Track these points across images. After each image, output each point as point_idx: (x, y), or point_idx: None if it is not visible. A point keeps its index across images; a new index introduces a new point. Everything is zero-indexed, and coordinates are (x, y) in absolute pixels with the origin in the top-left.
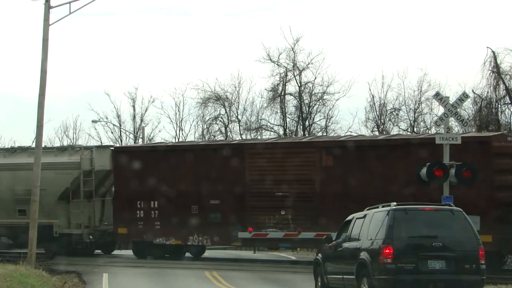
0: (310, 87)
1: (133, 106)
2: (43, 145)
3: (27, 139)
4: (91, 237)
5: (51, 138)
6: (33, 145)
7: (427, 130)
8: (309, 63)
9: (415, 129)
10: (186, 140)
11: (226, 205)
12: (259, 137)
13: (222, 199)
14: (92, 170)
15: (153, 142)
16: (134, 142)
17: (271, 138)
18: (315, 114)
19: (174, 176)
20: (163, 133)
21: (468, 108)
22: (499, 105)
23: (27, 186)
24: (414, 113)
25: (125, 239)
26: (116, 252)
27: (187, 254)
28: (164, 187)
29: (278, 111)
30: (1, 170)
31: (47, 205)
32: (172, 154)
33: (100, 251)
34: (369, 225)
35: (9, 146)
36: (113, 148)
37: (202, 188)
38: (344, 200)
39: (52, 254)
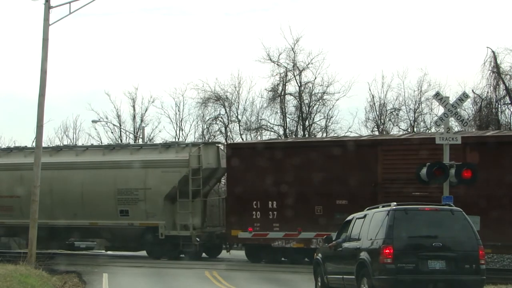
0: (310, 87)
1: (133, 106)
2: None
3: (27, 139)
4: (198, 239)
5: (51, 138)
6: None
7: (427, 130)
8: (309, 63)
9: (415, 129)
10: (309, 137)
11: (354, 205)
12: (258, 137)
13: (350, 199)
14: (199, 168)
15: (270, 139)
16: (134, 142)
17: (405, 133)
18: (315, 114)
19: (296, 174)
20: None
21: (468, 108)
22: (499, 105)
23: (129, 185)
24: (414, 113)
25: (240, 241)
26: (223, 255)
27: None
28: (284, 186)
29: (278, 111)
30: (102, 168)
31: (152, 205)
32: (293, 151)
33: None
34: (369, 225)
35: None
36: (225, 144)
37: (328, 187)
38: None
39: (156, 257)
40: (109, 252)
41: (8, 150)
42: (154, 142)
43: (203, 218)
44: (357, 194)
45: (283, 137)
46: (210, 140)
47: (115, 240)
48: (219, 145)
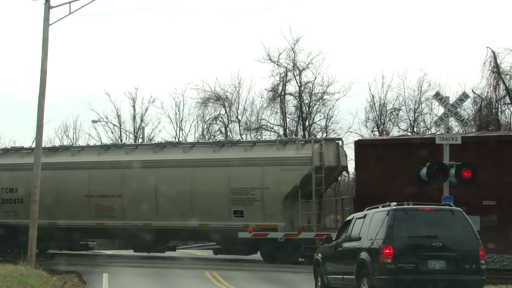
0: (310, 87)
1: (133, 106)
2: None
3: (27, 139)
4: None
5: (51, 138)
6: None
7: (427, 130)
8: (309, 63)
9: (415, 129)
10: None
11: (505, 207)
12: (259, 137)
13: (500, 200)
14: (322, 166)
15: (403, 135)
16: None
17: None
18: (315, 114)
19: None
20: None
21: (468, 108)
22: (499, 105)
23: (244, 184)
24: (414, 113)
25: None
26: None
27: None
28: (420, 185)
29: (278, 111)
30: (214, 166)
31: (270, 205)
32: (433, 147)
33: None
34: (369, 225)
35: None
36: (342, 141)
37: (472, 187)
38: None
39: (272, 261)
40: (109, 252)
41: (106, 147)
42: (268, 139)
43: (320, 219)
44: (509, 194)
45: (283, 137)
46: (328, 137)
47: (226, 242)
48: (339, 141)
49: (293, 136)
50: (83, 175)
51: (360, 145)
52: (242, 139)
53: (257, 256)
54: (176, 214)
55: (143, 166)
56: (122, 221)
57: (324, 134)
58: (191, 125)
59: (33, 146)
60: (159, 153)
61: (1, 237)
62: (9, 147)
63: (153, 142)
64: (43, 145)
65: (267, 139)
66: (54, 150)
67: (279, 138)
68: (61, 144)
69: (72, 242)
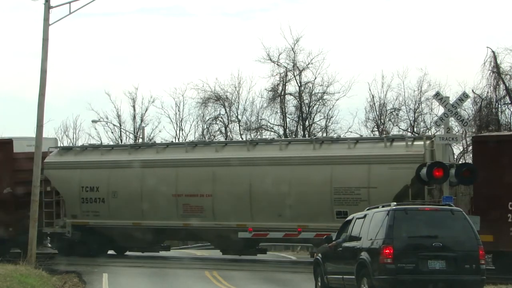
0: (310, 87)
1: (133, 106)
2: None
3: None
4: None
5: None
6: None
7: (427, 130)
8: (309, 63)
9: (415, 129)
10: None
11: None
12: (259, 137)
13: None
14: None
15: None
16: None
17: None
18: (315, 114)
19: None
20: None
21: (468, 108)
22: (499, 105)
23: (348, 184)
24: (414, 113)
25: (491, 247)
26: None
27: None
28: None
29: (278, 111)
30: (314, 164)
31: None
32: None
33: None
34: (369, 225)
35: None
36: (473, 137)
37: None
38: None
39: None
40: (109, 252)
41: (193, 145)
42: (374, 136)
43: None
44: None
45: (283, 137)
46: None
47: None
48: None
49: (402, 133)
50: (171, 173)
51: (480, 142)
52: (242, 138)
53: (257, 256)
54: (272, 215)
55: (236, 164)
56: (213, 222)
57: (324, 134)
58: (191, 125)
59: (111, 143)
60: (253, 151)
61: (80, 238)
62: (86, 144)
63: (244, 139)
64: (123, 142)
65: (373, 136)
66: (136, 147)
67: (385, 134)
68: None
69: (154, 243)
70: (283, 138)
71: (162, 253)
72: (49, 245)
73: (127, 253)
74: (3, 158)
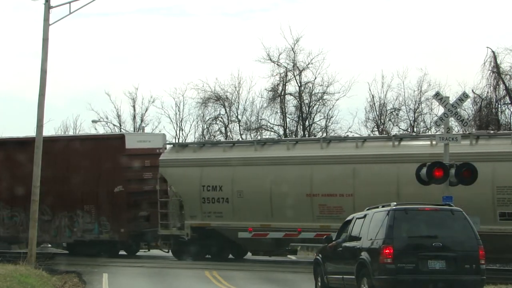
0: (310, 87)
1: (133, 106)
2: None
3: None
4: None
5: None
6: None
7: (427, 130)
8: (309, 63)
9: (415, 129)
10: None
11: None
12: (259, 137)
13: None
14: None
15: None
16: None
17: None
18: (315, 114)
19: None
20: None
21: (468, 108)
22: (499, 105)
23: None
24: (414, 113)
25: None
26: None
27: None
28: None
29: (278, 111)
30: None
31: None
32: None
33: None
34: (369, 225)
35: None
36: None
37: None
38: None
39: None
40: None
41: (327, 140)
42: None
43: None
44: None
45: (283, 137)
46: None
47: (500, 249)
48: None
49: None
50: (304, 171)
51: None
52: (242, 138)
53: (257, 256)
54: None
55: (381, 161)
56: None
57: (324, 134)
58: (191, 125)
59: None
60: (398, 148)
61: (199, 241)
62: (203, 141)
63: (385, 135)
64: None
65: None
66: (261, 143)
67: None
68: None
69: (281, 246)
70: (433, 133)
71: (162, 253)
72: (49, 245)
73: (124, 252)
74: (115, 154)
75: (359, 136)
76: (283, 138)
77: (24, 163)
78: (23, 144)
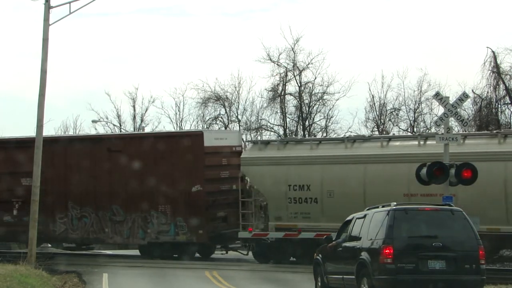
0: (310, 87)
1: (133, 106)
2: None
3: None
4: None
5: None
6: None
7: (427, 130)
8: (309, 63)
9: (415, 129)
10: None
11: None
12: (259, 137)
13: None
14: None
15: None
16: None
17: None
18: (315, 114)
19: None
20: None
21: (468, 108)
22: (499, 105)
23: None
24: (414, 113)
25: None
26: None
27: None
28: None
29: (278, 111)
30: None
31: None
32: None
33: None
34: (369, 225)
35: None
36: None
37: None
38: None
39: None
40: (109, 252)
41: (423, 137)
42: None
43: None
44: None
45: (283, 137)
46: None
47: None
48: None
49: None
50: (401, 170)
51: None
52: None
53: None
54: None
55: (486, 159)
56: None
57: (324, 134)
58: (191, 125)
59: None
60: (504, 145)
61: (284, 243)
62: (287, 138)
63: (488, 132)
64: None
65: None
66: (351, 140)
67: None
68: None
69: None
70: None
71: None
72: (49, 245)
73: (127, 253)
74: (193, 152)
75: (463, 133)
76: (375, 135)
77: (100, 161)
78: (99, 141)
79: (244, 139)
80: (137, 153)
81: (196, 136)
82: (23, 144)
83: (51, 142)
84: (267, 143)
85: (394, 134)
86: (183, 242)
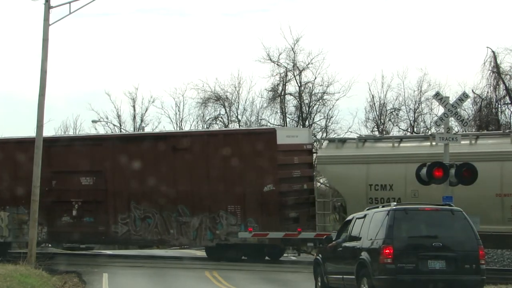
0: (310, 87)
1: (133, 106)
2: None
3: None
4: None
5: None
6: None
7: (427, 130)
8: (309, 63)
9: (415, 129)
10: None
11: None
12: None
13: None
14: None
15: None
16: None
17: None
18: (315, 114)
19: None
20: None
21: (468, 108)
22: (499, 105)
23: None
24: (414, 113)
25: None
26: None
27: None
28: None
29: (278, 111)
30: None
31: None
32: None
33: None
34: (369, 225)
35: None
36: None
37: None
38: None
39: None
40: (109, 252)
41: (475, 136)
42: None
43: None
44: None
45: None
46: None
47: None
48: None
49: None
50: (493, 168)
51: None
52: None
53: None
54: None
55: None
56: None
57: (324, 134)
58: (191, 125)
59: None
60: None
61: None
62: (365, 136)
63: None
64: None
65: None
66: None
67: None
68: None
69: None
70: None
71: (162, 253)
72: (49, 245)
73: (127, 253)
74: (265, 150)
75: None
76: (462, 132)
77: (165, 160)
78: (163, 139)
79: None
80: (205, 151)
81: (268, 134)
82: (84, 142)
83: (114, 140)
84: (344, 141)
85: (483, 131)
86: (254, 244)
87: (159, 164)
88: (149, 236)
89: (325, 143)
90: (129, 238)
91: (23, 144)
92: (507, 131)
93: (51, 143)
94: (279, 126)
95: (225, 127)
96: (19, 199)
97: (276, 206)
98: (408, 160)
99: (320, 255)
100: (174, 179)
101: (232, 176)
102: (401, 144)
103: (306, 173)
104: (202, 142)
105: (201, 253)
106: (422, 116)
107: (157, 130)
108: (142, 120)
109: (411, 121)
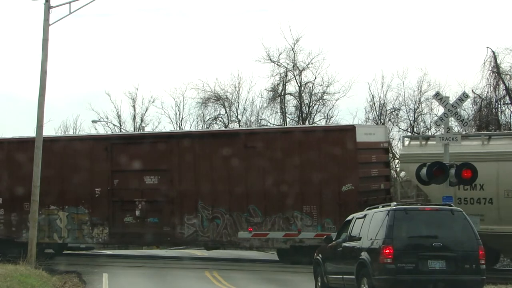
0: (310, 87)
1: (133, 106)
2: None
3: None
4: None
5: None
6: None
7: (427, 130)
8: (309, 63)
9: (415, 129)
10: None
11: None
12: None
13: None
14: None
15: None
16: None
17: None
18: (315, 114)
19: None
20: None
21: (468, 108)
22: (499, 105)
23: None
24: (414, 113)
25: None
26: None
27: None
28: None
29: (278, 111)
30: None
31: None
32: None
33: None
34: (369, 225)
35: None
36: None
37: None
38: None
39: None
40: (109, 252)
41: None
42: None
43: None
44: None
45: None
46: None
47: None
48: None
49: None
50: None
51: None
52: None
53: (257, 256)
54: None
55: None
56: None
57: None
58: (191, 125)
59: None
60: None
61: None
62: (419, 135)
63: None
64: None
65: None
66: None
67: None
68: None
69: None
70: None
71: (162, 253)
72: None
73: (127, 253)
74: (345, 148)
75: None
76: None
77: (235, 158)
78: (235, 136)
79: None
80: (278, 149)
81: (347, 131)
82: (148, 140)
83: (180, 137)
84: (427, 138)
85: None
86: None
87: (229, 163)
88: (217, 237)
89: (406, 140)
90: (196, 239)
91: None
92: None
93: (113, 140)
94: (358, 123)
95: (225, 127)
96: (79, 199)
97: (355, 206)
98: (501, 158)
99: (320, 255)
100: (245, 178)
101: (307, 174)
102: (491, 142)
103: (383, 172)
104: (276, 139)
105: (201, 253)
106: (422, 116)
107: (162, 130)
108: (142, 120)
109: (411, 121)
